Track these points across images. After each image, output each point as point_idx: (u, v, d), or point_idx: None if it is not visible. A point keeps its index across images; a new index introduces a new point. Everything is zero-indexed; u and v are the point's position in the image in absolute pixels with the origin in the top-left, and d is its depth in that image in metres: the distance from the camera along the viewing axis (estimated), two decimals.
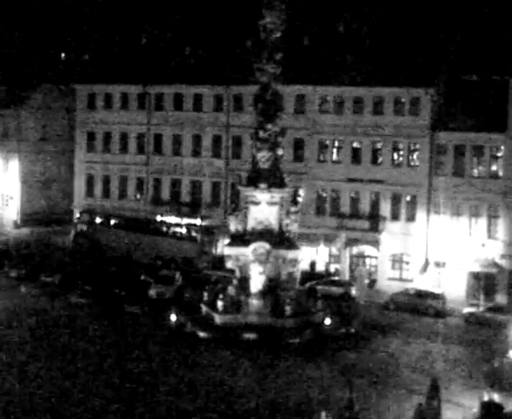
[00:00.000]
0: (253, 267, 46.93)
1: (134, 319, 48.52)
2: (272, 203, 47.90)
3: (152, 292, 53.33)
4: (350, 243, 62.02)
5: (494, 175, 58.44)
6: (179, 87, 69.57)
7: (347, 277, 61.53)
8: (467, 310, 53.63)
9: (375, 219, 61.31)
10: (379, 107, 62.07)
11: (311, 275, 59.23)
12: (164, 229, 65.66)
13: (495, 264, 57.10)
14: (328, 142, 64.11)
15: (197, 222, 65.67)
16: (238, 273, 47.63)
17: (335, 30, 68.48)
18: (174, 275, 55.90)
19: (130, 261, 62.71)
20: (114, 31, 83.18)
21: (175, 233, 64.86)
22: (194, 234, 64.01)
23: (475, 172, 59.25)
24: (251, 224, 48.00)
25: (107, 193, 72.87)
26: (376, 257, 61.91)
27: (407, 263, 61.04)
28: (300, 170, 63.30)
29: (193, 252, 62.48)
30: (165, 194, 70.13)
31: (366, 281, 60.84)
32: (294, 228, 48.45)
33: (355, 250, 62.57)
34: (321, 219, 63.23)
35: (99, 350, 41.75)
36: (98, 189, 73.27)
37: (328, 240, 61.94)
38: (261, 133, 48.48)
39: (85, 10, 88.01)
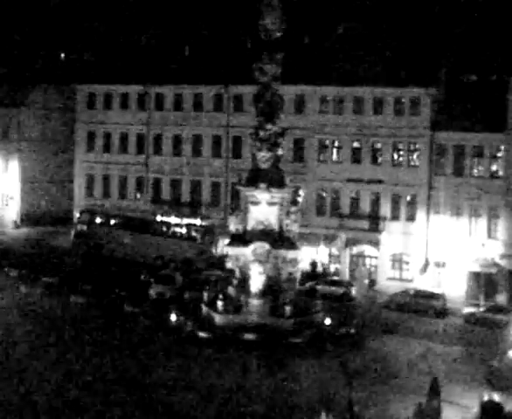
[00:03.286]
0: (253, 267, 46.86)
1: (134, 319, 48.50)
2: (272, 203, 47.81)
3: (152, 292, 53.29)
4: (350, 243, 62.06)
5: (494, 175, 58.48)
6: (179, 87, 69.58)
7: (347, 277, 61.57)
8: (467, 310, 53.62)
9: (375, 219, 61.35)
10: (379, 107, 62.11)
11: (312, 275, 59.31)
12: (164, 229, 65.61)
13: (495, 264, 57.07)
14: (328, 142, 64.13)
15: (197, 222, 65.64)
16: (238, 273, 47.58)
17: (335, 31, 68.57)
18: (174, 275, 55.88)
19: (130, 261, 62.69)
20: (115, 32, 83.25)
21: (175, 233, 64.82)
22: (194, 234, 63.99)
23: (475, 172, 59.28)
24: (251, 224, 47.93)
25: (107, 193, 72.89)
26: (376, 257, 61.93)
27: (407, 263, 61.07)
28: (300, 170, 63.31)
29: (193, 252, 62.47)
30: (165, 194, 70.15)
31: (366, 281, 60.89)
32: (294, 228, 48.36)
33: (355, 250, 62.59)
34: (321, 219, 63.25)
35: (98, 350, 41.71)
36: (98, 189, 73.28)
37: (328, 240, 61.98)
38: (261, 133, 48.39)
39: (85, 10, 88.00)
